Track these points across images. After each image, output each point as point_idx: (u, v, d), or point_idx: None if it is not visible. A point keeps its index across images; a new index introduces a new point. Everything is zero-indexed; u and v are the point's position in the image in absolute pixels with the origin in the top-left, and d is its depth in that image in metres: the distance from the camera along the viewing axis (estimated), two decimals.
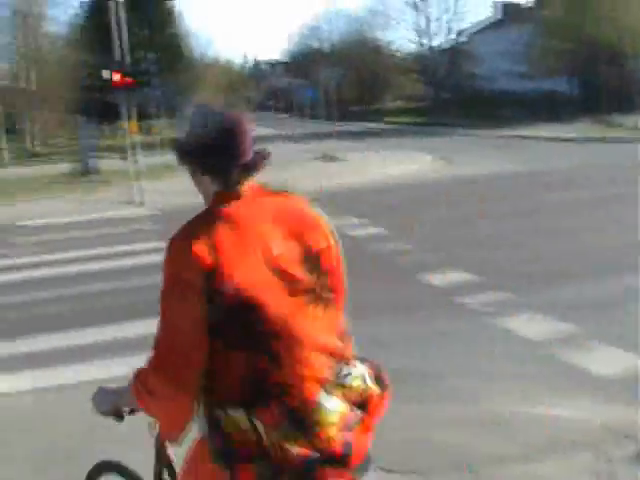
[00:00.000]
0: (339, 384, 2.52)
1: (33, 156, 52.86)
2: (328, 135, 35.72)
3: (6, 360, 8.53)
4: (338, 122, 34.83)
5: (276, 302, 2.49)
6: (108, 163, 34.23)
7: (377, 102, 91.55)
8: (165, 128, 38.92)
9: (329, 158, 31.54)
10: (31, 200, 24.43)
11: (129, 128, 23.64)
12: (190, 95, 79.83)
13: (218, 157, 2.64)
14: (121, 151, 36.14)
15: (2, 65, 60.18)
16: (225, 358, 2.48)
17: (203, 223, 2.64)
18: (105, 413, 2.87)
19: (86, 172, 32.01)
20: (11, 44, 58.01)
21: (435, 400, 6.33)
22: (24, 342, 9.14)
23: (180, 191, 24.55)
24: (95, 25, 62.53)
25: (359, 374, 2.59)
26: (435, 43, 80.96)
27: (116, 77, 22.40)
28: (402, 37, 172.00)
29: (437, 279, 10.65)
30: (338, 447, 2.45)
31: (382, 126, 62.00)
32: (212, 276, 2.45)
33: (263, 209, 2.65)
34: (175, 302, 2.50)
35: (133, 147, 22.86)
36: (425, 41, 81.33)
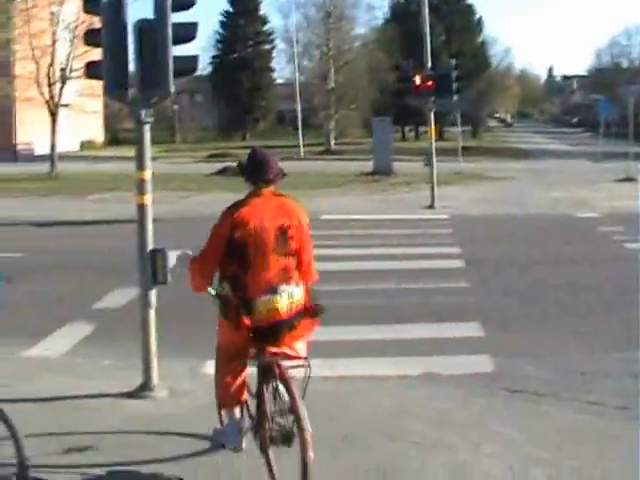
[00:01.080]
0: (277, 292, 5.05)
1: (328, 153, 54.91)
2: (623, 155, 34.10)
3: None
4: (634, 142, 33.00)
5: (255, 247, 5.03)
6: (402, 166, 34.80)
7: None
8: (460, 135, 38.89)
9: (625, 179, 30.16)
10: (331, 195, 25.49)
11: (429, 132, 23.84)
12: (487, 103, 79.74)
13: (252, 175, 5.24)
14: (416, 154, 36.89)
15: (307, 64, 63.10)
16: (229, 266, 5.09)
17: (238, 205, 5.17)
18: (179, 267, 5.46)
19: (381, 172, 32.71)
20: (320, 45, 60.77)
21: None
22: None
23: (469, 199, 24.86)
24: (399, 30, 64.15)
25: (288, 292, 5.08)
26: None
27: (418, 81, 22.67)
28: None
29: None
30: (271, 321, 5.01)
31: None
32: (231, 230, 5.03)
33: (268, 202, 5.17)
34: (213, 238, 5.12)
35: (430, 152, 23.03)
36: None
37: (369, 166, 34.54)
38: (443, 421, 6.57)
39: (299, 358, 5.15)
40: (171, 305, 7.29)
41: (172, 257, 6.41)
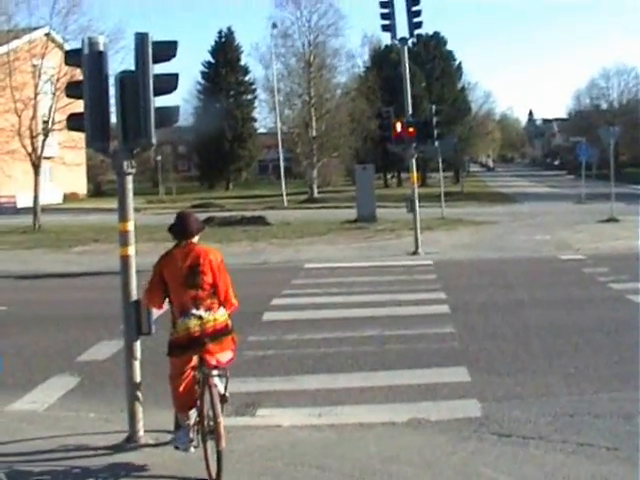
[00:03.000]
0: (188, 316, 6.49)
1: (311, 201, 55.10)
2: (605, 196, 34.38)
3: (284, 395, 8.85)
4: (615, 183, 33.31)
5: (174, 281, 6.59)
6: (385, 212, 34.94)
7: None
8: (442, 180, 39.12)
9: (608, 220, 30.47)
10: (315, 244, 25.53)
11: (411, 179, 23.95)
12: (468, 148, 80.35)
13: (174, 232, 6.79)
14: (399, 200, 37.04)
15: (288, 113, 63.50)
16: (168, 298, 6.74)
17: (166, 253, 6.80)
18: None
19: (364, 219, 32.80)
20: (302, 94, 61.27)
21: None
22: (300, 379, 9.48)
23: (453, 244, 24.92)
24: (380, 77, 64.86)
25: (198, 315, 6.48)
26: None
27: (399, 128, 22.85)
28: None
29: None
30: (196, 334, 6.44)
31: None
32: (161, 270, 6.67)
33: (186, 250, 6.67)
34: (153, 275, 6.70)
35: (413, 198, 23.11)
36: None
37: (352, 213, 34.64)
38: (432, 467, 6.54)
39: (222, 366, 6.53)
40: (155, 354, 7.24)
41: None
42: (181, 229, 6.76)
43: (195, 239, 6.81)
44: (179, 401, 6.66)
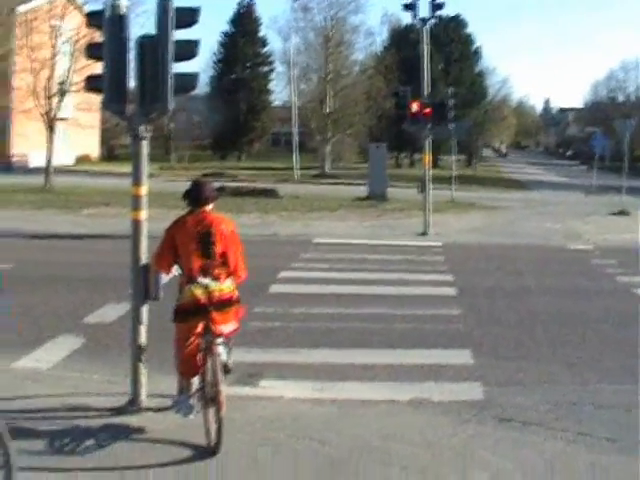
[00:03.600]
0: (202, 283, 6.53)
1: (323, 176, 54.98)
2: (617, 188, 34.25)
3: (288, 368, 8.89)
4: (627, 176, 33.08)
5: (185, 248, 6.61)
6: (396, 192, 34.88)
7: None
8: (455, 163, 39.02)
9: (619, 212, 30.38)
10: (325, 219, 25.55)
11: (424, 160, 23.89)
12: (482, 133, 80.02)
13: (190, 198, 6.82)
14: (410, 181, 36.98)
15: (304, 87, 63.29)
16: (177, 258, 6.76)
17: (178, 219, 6.82)
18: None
19: (375, 197, 32.76)
20: (318, 69, 61.02)
21: None
22: (304, 353, 9.53)
23: (462, 227, 24.90)
24: (398, 57, 64.50)
25: (204, 284, 6.51)
26: None
27: (415, 108, 22.75)
28: None
29: None
30: (201, 302, 6.49)
31: None
32: (173, 235, 6.70)
33: (200, 217, 6.70)
34: (164, 239, 6.74)
35: (425, 179, 23.07)
36: None
37: (364, 191, 34.59)
38: (432, 447, 6.55)
39: (225, 336, 6.64)
40: (162, 320, 7.26)
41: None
42: (196, 196, 6.79)
43: (209, 207, 6.83)
44: (182, 366, 6.71)
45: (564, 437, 6.89)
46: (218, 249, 6.63)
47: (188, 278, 6.58)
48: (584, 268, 17.02)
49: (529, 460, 6.34)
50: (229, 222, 6.89)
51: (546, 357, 9.66)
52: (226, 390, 6.40)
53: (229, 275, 6.70)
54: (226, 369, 6.64)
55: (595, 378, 8.80)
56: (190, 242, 6.61)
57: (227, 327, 6.61)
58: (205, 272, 6.56)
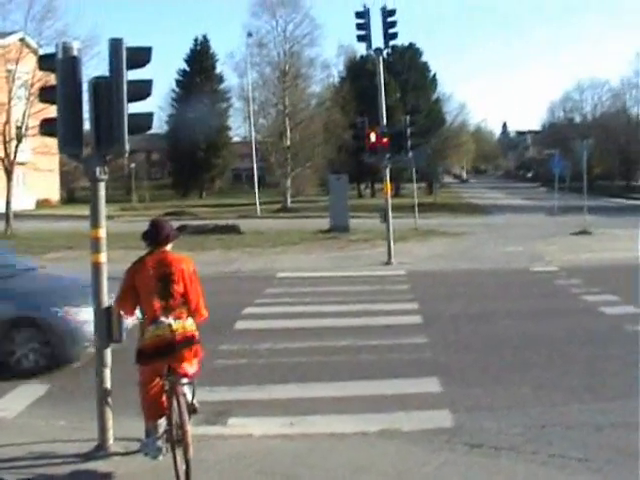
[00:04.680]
0: (165, 323, 6.44)
1: (285, 210, 55.07)
2: (578, 208, 34.68)
3: (256, 404, 8.83)
4: (587, 196, 33.50)
5: (145, 289, 6.55)
6: (358, 222, 34.99)
7: (627, 178, 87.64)
8: (416, 191, 39.29)
9: (581, 232, 30.76)
10: (288, 253, 25.53)
11: (385, 189, 24.00)
12: (442, 159, 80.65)
13: (149, 238, 6.78)
14: (372, 211, 37.05)
15: (263, 122, 63.45)
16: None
17: (137, 261, 6.73)
18: None
19: (338, 229, 32.79)
20: (276, 104, 61.25)
21: None
22: (272, 389, 9.47)
23: (425, 255, 24.97)
24: (355, 88, 65.04)
25: (167, 323, 6.44)
26: None
27: (373, 138, 22.90)
28: None
29: None
30: (164, 343, 6.42)
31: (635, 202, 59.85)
32: (132, 277, 6.63)
33: (158, 258, 6.67)
34: (124, 282, 6.70)
35: (386, 208, 23.16)
36: None
37: (326, 223, 34.62)
38: (403, 477, 6.53)
39: (190, 377, 6.58)
40: (126, 362, 7.18)
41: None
42: (155, 236, 6.77)
43: (168, 247, 6.82)
44: (148, 409, 6.67)
45: (535, 460, 6.90)
46: (179, 289, 6.61)
47: (150, 319, 6.52)
48: (548, 289, 17.14)
49: None
50: (189, 261, 6.87)
51: (513, 380, 9.68)
52: (194, 430, 6.34)
53: (190, 315, 6.66)
54: (191, 408, 6.57)
55: (563, 399, 8.84)
56: (150, 282, 6.57)
57: (191, 367, 6.55)
58: (167, 312, 6.51)
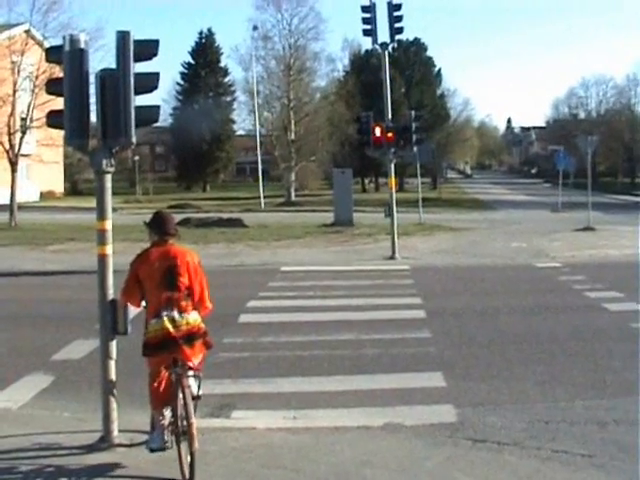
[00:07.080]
0: (168, 317, 6.43)
1: (289, 204, 55.07)
2: (582, 204, 34.63)
3: (259, 398, 8.85)
4: (591, 192, 33.47)
5: (150, 281, 6.58)
6: (362, 217, 34.97)
7: (631, 175, 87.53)
8: (420, 186, 39.26)
9: (584, 228, 30.76)
10: (292, 247, 25.55)
11: (389, 184, 23.98)
12: (446, 154, 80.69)
13: (156, 228, 6.77)
14: (376, 205, 37.10)
15: (267, 115, 63.46)
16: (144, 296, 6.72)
17: (143, 251, 6.80)
18: None
19: (342, 223, 32.79)
20: (281, 97, 61.26)
21: None
22: (275, 382, 9.47)
23: (429, 250, 24.98)
24: (360, 82, 65.00)
25: (171, 317, 6.43)
26: None
27: (378, 133, 22.87)
28: None
29: None
30: (169, 336, 6.39)
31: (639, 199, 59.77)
32: (137, 269, 6.65)
33: (164, 250, 6.68)
34: (129, 273, 6.69)
35: (391, 203, 23.15)
36: None
37: (330, 217, 34.63)
38: (407, 472, 6.53)
39: (195, 369, 6.54)
40: (131, 354, 7.20)
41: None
42: (161, 226, 6.78)
43: (173, 239, 6.83)
44: (154, 398, 6.65)
45: (539, 455, 6.90)
46: (184, 281, 6.62)
47: (154, 312, 6.53)
48: (552, 285, 17.14)
49: None
50: (194, 254, 6.88)
51: (517, 376, 9.69)
52: (198, 422, 6.35)
53: (194, 307, 6.66)
54: (196, 399, 6.58)
55: (567, 395, 8.84)
56: (155, 275, 6.58)
57: (196, 359, 6.54)
58: (172, 305, 6.50)
